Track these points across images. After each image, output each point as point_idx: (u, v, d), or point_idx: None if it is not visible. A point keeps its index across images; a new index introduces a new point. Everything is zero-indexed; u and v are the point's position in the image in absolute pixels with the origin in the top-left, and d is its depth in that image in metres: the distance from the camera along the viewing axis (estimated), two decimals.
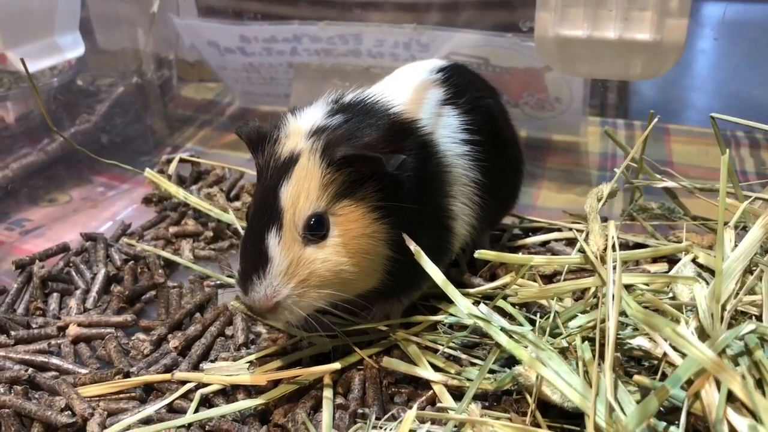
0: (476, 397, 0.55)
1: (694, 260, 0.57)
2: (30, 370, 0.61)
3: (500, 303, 0.61)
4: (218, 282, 0.75)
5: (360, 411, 0.55)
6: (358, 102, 0.62)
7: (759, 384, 0.44)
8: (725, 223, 0.57)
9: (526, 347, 0.52)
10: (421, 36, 0.97)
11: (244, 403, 0.56)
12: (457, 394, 0.56)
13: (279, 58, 1.09)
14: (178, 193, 0.86)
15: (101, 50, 1.11)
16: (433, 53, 0.98)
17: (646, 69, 0.76)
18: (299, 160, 0.56)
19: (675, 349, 0.47)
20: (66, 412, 0.57)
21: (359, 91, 0.64)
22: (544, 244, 0.77)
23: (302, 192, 0.55)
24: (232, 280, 0.74)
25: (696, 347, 0.39)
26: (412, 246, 0.56)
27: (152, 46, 1.14)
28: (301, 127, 0.59)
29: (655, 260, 0.71)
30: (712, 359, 0.39)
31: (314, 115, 0.60)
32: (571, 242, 0.76)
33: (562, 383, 0.48)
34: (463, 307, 0.55)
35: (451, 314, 0.62)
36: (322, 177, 0.55)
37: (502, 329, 0.53)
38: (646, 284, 0.55)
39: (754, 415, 0.41)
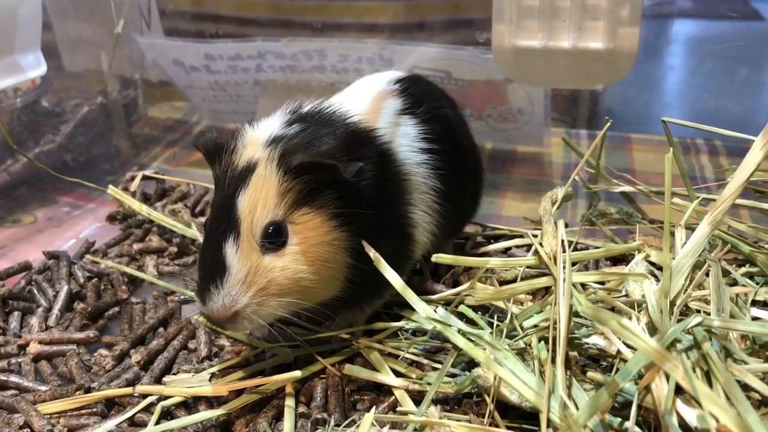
0: (437, 401, 0.55)
1: (647, 259, 0.58)
2: None
3: (461, 308, 0.62)
4: (182, 297, 0.75)
5: (320, 417, 0.55)
6: (316, 112, 0.63)
7: (708, 376, 0.45)
8: (677, 225, 0.59)
9: (484, 349, 0.52)
10: (384, 51, 0.98)
11: (205, 414, 0.56)
12: (419, 398, 0.56)
13: (244, 75, 1.09)
14: (141, 209, 0.86)
15: (66, 71, 1.11)
16: (396, 67, 0.99)
17: (601, 77, 0.78)
18: (256, 169, 0.56)
19: (628, 346, 0.48)
20: (25, 430, 0.56)
21: (317, 102, 0.65)
22: (506, 250, 0.78)
23: (260, 200, 0.55)
24: (192, 293, 0.74)
25: (641, 339, 0.40)
26: (372, 253, 0.56)
27: (117, 67, 1.14)
28: (259, 137, 0.59)
29: (615, 263, 0.73)
30: (656, 350, 0.40)
31: (271, 125, 0.61)
32: (531, 248, 0.77)
33: (517, 382, 0.48)
34: (420, 310, 0.55)
35: (412, 320, 0.62)
36: (279, 185, 0.56)
37: (460, 331, 0.54)
38: (601, 283, 0.56)
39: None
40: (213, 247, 0.55)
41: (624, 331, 0.40)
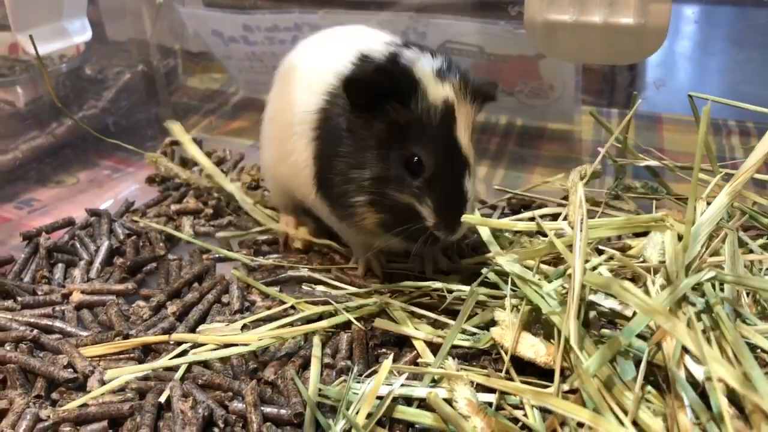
0: (457, 356, 0.57)
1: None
2: (35, 330, 0.64)
3: (490, 275, 0.63)
4: (217, 255, 0.78)
5: (344, 364, 0.58)
6: (420, 46, 0.66)
7: (720, 342, 0.46)
8: (699, 198, 0.60)
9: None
10: (418, 24, 0.99)
11: (235, 349, 0.59)
12: None
13: (281, 46, 1.11)
14: (181, 170, 0.89)
15: (108, 40, 1.15)
16: (429, 41, 1.01)
17: (631, 53, 0.78)
18: (456, 104, 0.60)
19: None
20: (68, 369, 0.60)
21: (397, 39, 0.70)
22: (532, 219, 0.79)
23: (467, 134, 0.61)
24: (231, 253, 0.77)
25: (641, 299, 0.42)
26: None
27: (158, 36, 1.17)
28: (423, 70, 0.61)
29: (638, 236, 0.74)
30: (656, 309, 0.41)
31: (419, 57, 0.62)
32: (556, 218, 0.78)
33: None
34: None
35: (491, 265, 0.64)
36: (473, 117, 0.62)
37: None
38: (622, 251, 0.58)
39: None
40: (454, 181, 0.60)
41: (624, 293, 0.42)
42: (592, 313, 0.54)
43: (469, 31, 0.98)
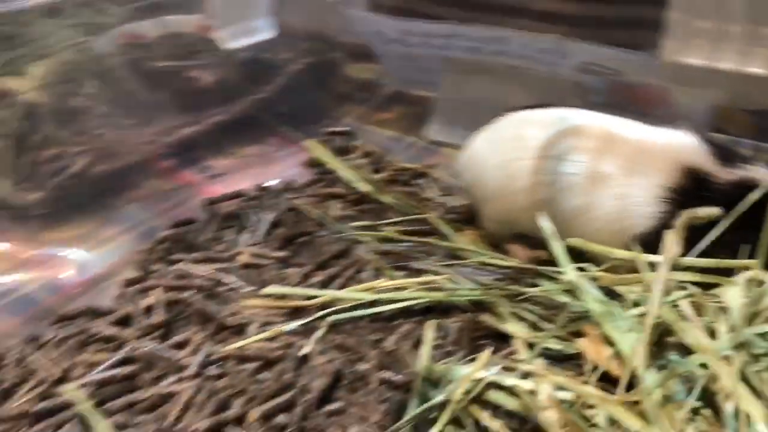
0: (547, 357, 0.67)
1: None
2: (211, 281, 0.81)
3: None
4: (354, 236, 0.91)
5: (451, 349, 0.69)
6: None
7: None
8: None
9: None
10: (561, 46, 1.07)
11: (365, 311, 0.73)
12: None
13: (434, 51, 1.23)
14: (333, 161, 1.04)
15: (283, 31, 1.30)
16: (570, 62, 1.08)
17: (760, 101, 0.83)
18: None
19: None
20: (233, 316, 0.76)
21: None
22: None
23: None
24: (364, 235, 0.90)
25: (698, 339, 0.50)
26: None
27: (327, 31, 1.32)
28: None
29: None
30: (710, 350, 0.49)
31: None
32: None
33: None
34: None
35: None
36: None
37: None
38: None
39: None
40: None
41: (686, 334, 0.50)
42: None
43: (609, 56, 1.04)
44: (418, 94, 1.37)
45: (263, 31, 1.10)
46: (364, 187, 1.00)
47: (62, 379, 0.66)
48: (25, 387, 0.66)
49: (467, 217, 0.94)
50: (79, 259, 0.90)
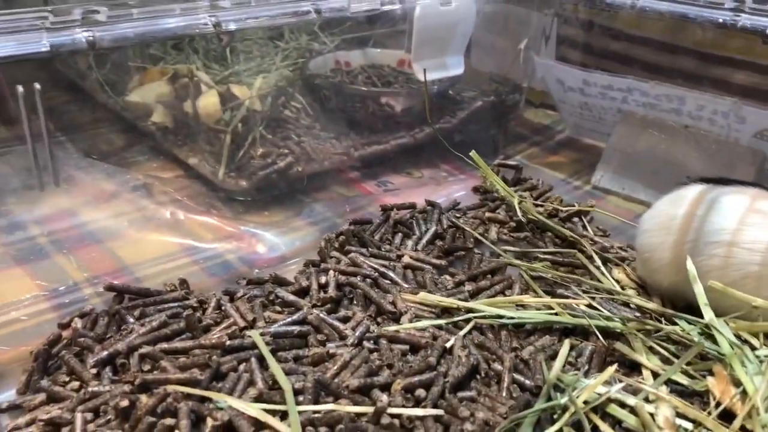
0: (673, 390, 0.71)
1: None
2: (377, 273, 0.92)
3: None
4: (509, 259, 1.00)
5: (581, 368, 0.75)
6: None
7: None
8: None
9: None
10: (739, 110, 1.09)
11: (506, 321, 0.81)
12: None
13: (610, 103, 1.29)
14: (501, 186, 1.13)
15: (472, 68, 1.42)
16: (747, 127, 1.10)
17: None
18: None
19: None
20: (391, 305, 0.87)
21: None
22: None
23: None
24: (514, 261, 0.98)
25: None
26: None
27: (512, 73, 1.42)
28: None
29: None
30: None
31: None
32: None
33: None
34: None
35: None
36: None
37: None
38: None
39: None
40: None
41: None
42: None
43: None
44: (590, 142, 1.43)
45: (453, 68, 1.22)
46: (523, 216, 1.08)
47: (248, 327, 0.80)
48: (221, 327, 0.81)
49: (619, 258, 0.99)
50: (271, 240, 1.06)
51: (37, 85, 0.76)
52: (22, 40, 0.72)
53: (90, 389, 0.70)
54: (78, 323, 0.80)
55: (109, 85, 1.35)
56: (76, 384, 0.73)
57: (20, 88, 0.75)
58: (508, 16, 1.39)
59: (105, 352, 0.74)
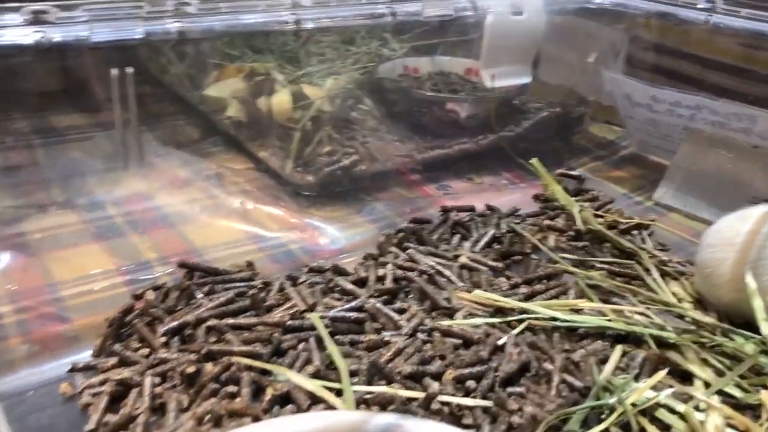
0: (724, 402, 0.71)
1: None
2: (433, 270, 0.95)
3: None
4: (565, 266, 1.00)
5: (632, 373, 0.76)
6: None
7: None
8: None
9: None
10: None
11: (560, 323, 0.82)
12: None
13: (678, 120, 1.28)
14: (562, 195, 1.14)
15: (539, 80, 1.43)
16: None
17: None
18: None
19: None
20: (446, 300, 0.89)
21: None
22: None
23: None
24: (567, 266, 0.99)
25: None
26: None
27: (578, 86, 1.43)
28: None
29: None
30: None
31: None
32: None
33: None
34: None
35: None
36: None
37: None
38: None
39: None
40: None
41: None
42: None
43: None
44: (654, 159, 1.42)
45: (520, 77, 1.24)
46: (583, 225, 1.09)
47: (308, 310, 0.84)
48: (283, 307, 0.84)
49: (678, 272, 0.99)
50: (333, 233, 1.10)
51: (131, 69, 0.82)
52: (118, 27, 0.78)
53: (159, 355, 0.75)
54: (151, 295, 0.86)
55: (189, 80, 1.42)
56: (146, 350, 0.78)
57: (114, 71, 0.81)
58: (578, 28, 1.40)
59: (174, 323, 0.79)
